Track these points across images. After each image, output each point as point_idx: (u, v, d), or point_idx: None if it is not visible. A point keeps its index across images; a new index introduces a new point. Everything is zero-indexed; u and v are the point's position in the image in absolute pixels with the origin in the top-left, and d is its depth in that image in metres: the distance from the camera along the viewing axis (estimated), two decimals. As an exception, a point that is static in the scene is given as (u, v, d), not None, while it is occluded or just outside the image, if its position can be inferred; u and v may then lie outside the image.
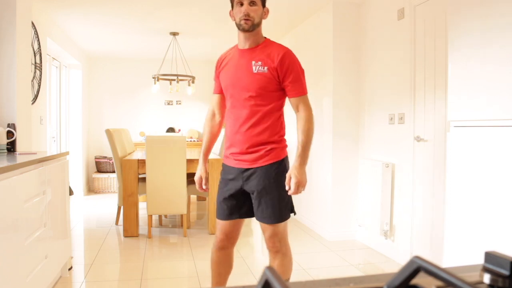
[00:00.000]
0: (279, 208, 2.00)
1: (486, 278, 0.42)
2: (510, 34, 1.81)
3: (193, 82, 5.39)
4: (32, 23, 3.64)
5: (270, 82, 1.94)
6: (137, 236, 3.99)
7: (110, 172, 6.69)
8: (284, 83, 1.96)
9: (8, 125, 2.93)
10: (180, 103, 7.20)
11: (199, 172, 2.18)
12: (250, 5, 1.92)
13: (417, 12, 3.10)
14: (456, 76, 2.13)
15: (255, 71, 1.94)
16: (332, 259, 3.39)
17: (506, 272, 0.41)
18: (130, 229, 3.99)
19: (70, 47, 5.53)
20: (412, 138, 3.13)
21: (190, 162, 4.04)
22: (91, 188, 6.86)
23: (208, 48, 6.18)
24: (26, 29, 3.28)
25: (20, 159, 2.21)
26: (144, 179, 4.09)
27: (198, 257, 3.40)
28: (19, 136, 3.00)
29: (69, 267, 3.02)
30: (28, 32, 3.34)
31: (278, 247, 2.04)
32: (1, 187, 1.73)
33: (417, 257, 0.41)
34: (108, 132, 4.22)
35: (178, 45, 5.46)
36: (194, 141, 6.82)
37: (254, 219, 2.09)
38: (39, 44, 3.90)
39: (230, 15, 2.01)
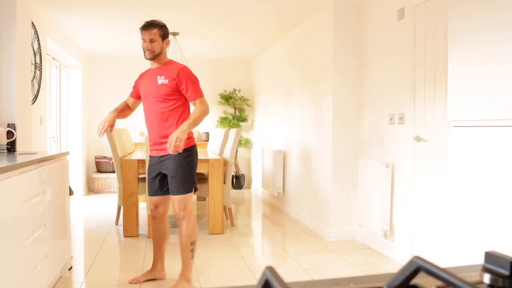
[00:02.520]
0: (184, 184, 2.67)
1: (486, 278, 0.42)
2: (511, 33, 1.81)
3: (193, 82, 5.39)
4: (32, 23, 3.64)
5: (172, 90, 2.62)
6: (137, 236, 3.99)
7: (110, 172, 6.69)
8: (182, 91, 2.63)
9: (8, 125, 2.93)
10: (180, 103, 7.19)
11: (108, 117, 2.70)
12: (151, 42, 2.62)
13: (417, 12, 3.10)
14: (456, 76, 2.13)
15: (159, 83, 2.63)
16: (332, 259, 3.39)
17: (506, 272, 0.41)
18: (130, 229, 3.99)
19: (70, 47, 5.53)
20: (412, 138, 3.13)
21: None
22: (91, 188, 6.86)
23: (208, 48, 6.18)
24: (26, 29, 3.28)
25: (20, 159, 2.21)
26: (144, 179, 4.09)
27: (198, 257, 3.40)
28: (19, 136, 3.00)
29: (69, 267, 3.02)
30: (28, 32, 3.34)
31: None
32: (1, 187, 1.73)
33: (417, 257, 0.41)
34: (108, 132, 4.22)
35: (178, 45, 5.46)
36: (194, 141, 6.81)
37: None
38: (39, 44, 3.90)
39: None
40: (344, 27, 3.93)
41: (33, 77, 3.74)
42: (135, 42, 5.76)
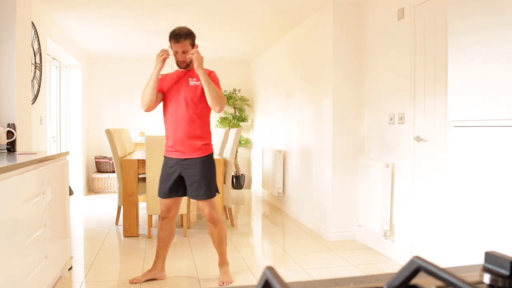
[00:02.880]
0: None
1: (486, 278, 0.42)
2: (510, 33, 1.81)
3: (193, 82, 5.39)
4: (32, 23, 3.64)
5: (203, 91, 2.67)
6: (137, 236, 3.99)
7: (110, 172, 6.68)
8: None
9: (8, 125, 2.93)
10: (180, 103, 7.19)
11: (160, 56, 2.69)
12: (183, 53, 2.66)
13: (417, 12, 3.10)
14: (456, 76, 2.13)
15: (191, 84, 2.69)
16: (332, 259, 3.39)
17: (506, 272, 0.41)
18: (130, 229, 3.99)
19: (70, 47, 5.53)
20: (412, 138, 3.13)
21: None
22: (91, 188, 6.86)
23: (208, 48, 6.18)
24: (26, 29, 3.28)
25: (20, 159, 2.21)
26: (144, 179, 4.09)
27: (198, 257, 3.40)
28: (19, 136, 3.00)
29: (69, 267, 3.02)
30: (28, 32, 3.34)
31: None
32: (1, 187, 1.73)
33: (417, 257, 0.41)
34: (108, 132, 4.22)
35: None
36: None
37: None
38: (39, 44, 3.90)
39: (170, 49, 2.73)
40: (344, 27, 3.93)
41: (33, 77, 3.74)
42: (135, 42, 5.76)
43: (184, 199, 3.97)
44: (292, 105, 5.15)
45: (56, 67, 5.64)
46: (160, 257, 2.85)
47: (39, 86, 3.97)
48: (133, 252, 3.57)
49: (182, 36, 2.62)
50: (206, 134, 2.74)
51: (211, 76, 2.70)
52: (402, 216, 3.27)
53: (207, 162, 2.71)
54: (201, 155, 2.69)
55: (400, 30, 3.28)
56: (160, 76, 2.72)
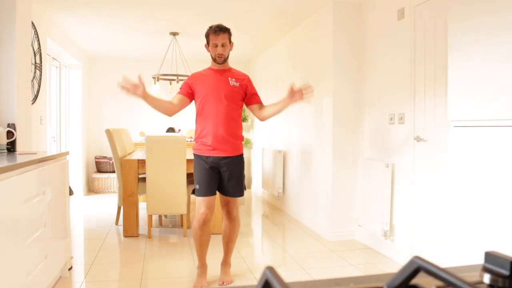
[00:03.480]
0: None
1: (486, 278, 0.42)
2: (510, 33, 1.81)
3: (193, 82, 5.39)
4: (32, 23, 3.64)
5: (242, 93, 2.78)
6: (137, 236, 3.99)
7: (110, 172, 6.68)
8: (251, 94, 2.82)
9: (8, 125, 2.93)
10: (180, 103, 7.19)
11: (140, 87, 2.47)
12: (223, 46, 2.70)
13: (417, 12, 3.10)
14: (456, 76, 2.13)
15: (232, 85, 2.73)
16: (332, 259, 3.39)
17: (506, 272, 0.41)
18: (130, 229, 3.99)
19: (70, 47, 5.53)
20: (412, 138, 3.13)
21: (190, 162, 4.04)
22: (91, 188, 6.86)
23: (208, 48, 6.17)
24: (26, 29, 3.28)
25: (20, 159, 2.21)
26: (144, 179, 4.09)
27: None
28: (19, 136, 3.00)
29: (69, 267, 3.02)
30: (28, 32, 3.34)
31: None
32: (1, 187, 1.73)
33: (417, 257, 0.41)
34: (108, 132, 4.22)
35: (178, 45, 5.46)
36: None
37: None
38: (39, 44, 3.90)
39: (206, 48, 2.80)
40: (344, 27, 3.93)
41: (33, 77, 3.74)
42: (135, 42, 5.76)
43: (183, 199, 3.97)
44: (292, 105, 5.14)
45: (56, 67, 5.64)
46: (205, 263, 2.82)
47: (39, 86, 3.97)
48: (133, 252, 3.57)
49: (222, 30, 2.67)
50: (241, 134, 2.83)
51: (250, 80, 2.87)
52: (402, 216, 3.27)
53: (243, 160, 2.82)
54: (240, 153, 2.79)
55: (400, 30, 3.28)
56: (148, 95, 2.54)
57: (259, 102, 2.85)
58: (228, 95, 2.70)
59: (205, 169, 2.71)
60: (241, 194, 2.81)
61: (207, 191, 2.71)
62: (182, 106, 2.75)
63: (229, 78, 2.74)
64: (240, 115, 2.80)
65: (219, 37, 2.67)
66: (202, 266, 2.82)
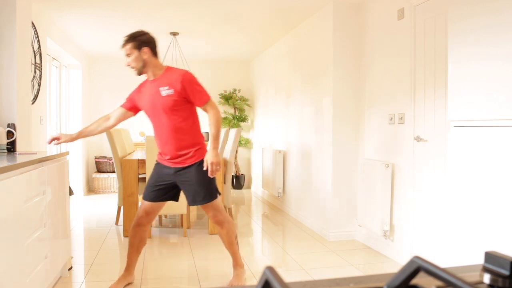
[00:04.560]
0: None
1: (486, 278, 0.42)
2: (510, 33, 1.81)
3: (193, 82, 5.39)
4: (32, 23, 3.64)
5: (179, 100, 2.50)
6: (137, 236, 3.99)
7: (110, 172, 6.68)
8: (189, 97, 2.52)
9: (8, 125, 2.92)
10: (180, 103, 7.19)
11: (67, 136, 2.63)
12: (128, 57, 2.51)
13: (417, 12, 3.10)
14: (456, 76, 2.13)
15: (164, 94, 2.49)
16: (332, 259, 3.39)
17: (506, 272, 0.41)
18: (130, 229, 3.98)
19: (70, 47, 5.53)
20: (412, 138, 3.13)
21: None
22: (91, 188, 6.86)
23: (208, 48, 6.18)
24: (26, 29, 3.28)
25: (20, 159, 2.21)
26: (144, 179, 4.09)
27: (198, 257, 3.40)
28: (19, 136, 3.00)
29: (69, 267, 3.02)
30: (28, 32, 3.34)
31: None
32: (1, 187, 1.73)
33: (417, 257, 0.41)
34: (108, 132, 4.22)
35: (178, 45, 5.46)
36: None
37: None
38: (39, 44, 3.90)
39: None
40: (344, 27, 3.93)
41: (33, 77, 3.74)
42: (135, 42, 5.76)
43: (182, 199, 3.97)
44: (292, 105, 5.15)
45: (56, 67, 5.64)
46: (133, 264, 2.74)
47: (39, 86, 3.97)
48: (133, 252, 3.56)
49: (126, 40, 2.51)
50: (196, 139, 2.61)
51: (186, 80, 2.50)
52: (402, 216, 3.27)
53: (201, 167, 2.59)
54: (195, 162, 2.59)
55: (400, 30, 3.28)
56: (72, 135, 2.66)
57: (199, 105, 2.57)
58: (166, 108, 2.49)
59: (158, 174, 2.66)
60: (207, 200, 2.63)
61: (147, 196, 2.67)
62: (120, 120, 2.70)
63: (160, 89, 2.50)
64: (187, 119, 2.55)
65: (124, 49, 2.51)
66: (125, 269, 2.74)
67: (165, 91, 2.48)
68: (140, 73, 2.55)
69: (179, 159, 2.58)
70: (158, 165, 2.70)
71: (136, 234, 2.70)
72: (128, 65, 2.53)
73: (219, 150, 4.77)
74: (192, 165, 2.58)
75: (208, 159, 2.53)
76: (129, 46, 2.50)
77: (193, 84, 2.52)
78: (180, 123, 2.53)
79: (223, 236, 2.79)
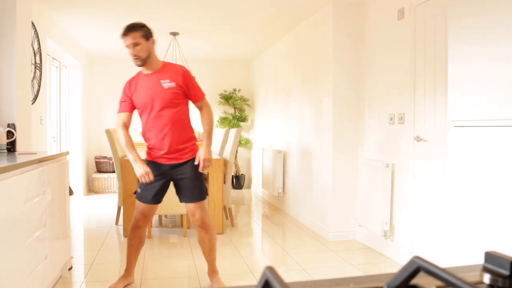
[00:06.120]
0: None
1: (486, 278, 0.42)
2: (510, 32, 1.81)
3: (193, 82, 5.39)
4: (32, 23, 3.64)
5: (180, 93, 2.52)
6: (137, 236, 3.99)
7: (110, 172, 6.69)
8: (187, 92, 2.55)
9: (8, 125, 2.92)
10: (180, 103, 7.19)
11: (141, 167, 2.51)
12: (135, 46, 2.42)
13: (417, 12, 3.10)
14: (456, 76, 2.13)
15: (166, 87, 2.48)
16: (332, 259, 3.39)
17: (506, 272, 0.41)
18: (130, 229, 3.98)
19: (70, 47, 5.53)
20: (412, 138, 3.13)
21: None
22: (91, 188, 6.86)
23: (208, 48, 6.18)
24: (26, 29, 3.28)
25: (20, 159, 2.21)
26: (144, 179, 4.08)
27: (198, 257, 3.40)
28: (19, 136, 3.00)
29: (69, 267, 3.02)
30: (28, 32, 3.34)
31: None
32: (1, 187, 1.73)
33: (417, 257, 0.41)
34: (108, 132, 4.22)
35: (178, 45, 5.46)
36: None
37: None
38: (39, 44, 3.90)
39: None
40: (344, 27, 3.93)
41: (33, 77, 3.74)
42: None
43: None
44: (292, 105, 5.15)
45: (56, 67, 5.64)
46: (132, 265, 2.74)
47: (39, 86, 3.97)
48: (133, 252, 3.56)
49: (130, 29, 2.42)
50: (191, 134, 2.63)
51: (186, 75, 2.54)
52: (402, 216, 3.27)
53: (195, 162, 2.59)
54: (191, 157, 2.59)
55: (400, 30, 3.28)
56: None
57: (196, 101, 2.62)
58: (166, 100, 2.48)
59: (155, 173, 2.57)
60: (201, 198, 2.62)
61: (144, 198, 2.61)
62: (131, 121, 2.68)
63: (162, 81, 2.49)
64: (184, 114, 2.58)
65: (128, 37, 2.42)
66: (126, 270, 2.73)
67: (166, 84, 2.48)
68: (142, 64, 2.49)
69: (176, 154, 2.55)
70: (149, 164, 2.61)
71: (134, 236, 2.69)
72: (135, 55, 2.44)
73: (219, 150, 4.78)
74: (188, 161, 2.58)
75: (201, 155, 2.54)
76: (138, 34, 2.43)
77: (192, 80, 2.58)
78: (181, 116, 2.55)
79: (205, 241, 2.71)
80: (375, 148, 3.68)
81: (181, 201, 2.69)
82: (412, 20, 3.13)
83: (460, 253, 2.06)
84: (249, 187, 7.38)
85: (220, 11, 4.30)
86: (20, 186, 1.98)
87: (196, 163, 2.56)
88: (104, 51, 6.46)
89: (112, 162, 6.57)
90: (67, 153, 2.96)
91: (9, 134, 2.89)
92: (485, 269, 0.43)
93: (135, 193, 2.68)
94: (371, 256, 3.46)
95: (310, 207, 4.45)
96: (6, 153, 2.74)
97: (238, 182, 7.17)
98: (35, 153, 2.69)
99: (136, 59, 2.46)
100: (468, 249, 2.01)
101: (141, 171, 2.50)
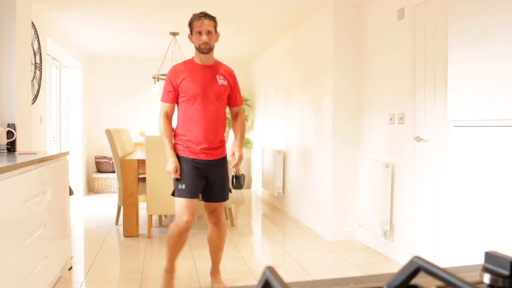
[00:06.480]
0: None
1: (486, 278, 0.42)
2: (510, 32, 1.81)
3: (193, 82, 5.38)
4: (32, 23, 3.64)
5: (229, 92, 2.59)
6: (137, 236, 3.99)
7: (110, 172, 6.69)
8: (232, 94, 2.62)
9: (8, 125, 2.93)
10: (180, 103, 7.19)
11: (174, 163, 2.48)
12: (208, 34, 2.47)
13: (417, 12, 3.10)
14: (456, 76, 2.13)
15: (220, 83, 2.53)
16: (332, 259, 3.39)
17: (506, 272, 0.41)
18: (130, 229, 3.99)
19: (70, 47, 5.53)
20: (412, 138, 3.13)
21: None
22: (91, 188, 6.86)
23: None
24: (26, 29, 3.28)
25: (20, 159, 2.21)
26: (144, 179, 4.09)
27: (198, 257, 3.40)
28: (19, 136, 3.00)
29: (69, 267, 3.02)
30: (28, 32, 3.34)
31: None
32: (1, 187, 1.73)
33: (417, 257, 0.41)
34: (108, 132, 4.22)
35: (178, 45, 5.46)
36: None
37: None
38: (39, 44, 3.90)
39: (189, 39, 2.55)
40: (344, 27, 3.93)
41: (33, 77, 3.74)
42: (135, 42, 5.76)
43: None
44: (292, 105, 5.15)
45: (56, 67, 5.64)
46: (174, 267, 2.64)
47: (39, 86, 3.97)
48: (133, 252, 3.57)
49: (207, 16, 2.48)
50: (224, 133, 2.69)
51: (235, 77, 2.64)
52: (402, 216, 3.27)
53: (227, 162, 2.67)
54: (226, 155, 2.65)
55: (400, 30, 3.28)
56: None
57: (236, 105, 2.69)
58: (218, 96, 2.51)
59: (192, 170, 2.48)
60: (228, 197, 2.68)
61: (193, 193, 2.48)
62: (173, 112, 2.62)
63: (217, 77, 2.52)
64: (225, 113, 2.64)
65: (204, 24, 2.44)
66: (173, 270, 2.64)
67: (221, 81, 2.53)
68: (209, 52, 2.50)
69: (214, 150, 2.54)
70: (186, 159, 2.50)
71: (182, 240, 2.55)
72: (207, 42, 2.45)
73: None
74: (224, 158, 2.62)
75: (238, 152, 2.59)
76: (212, 24, 2.49)
77: (237, 84, 2.68)
78: (224, 115, 2.61)
79: (216, 240, 2.70)
80: (375, 148, 3.68)
81: (207, 200, 2.60)
82: (412, 20, 3.13)
83: (460, 253, 2.06)
84: (249, 187, 7.37)
85: (220, 11, 4.30)
86: (20, 186, 1.98)
87: (230, 158, 2.60)
88: (104, 51, 6.46)
89: (112, 162, 6.57)
90: (67, 153, 2.96)
91: (9, 134, 2.89)
92: (485, 269, 0.43)
93: (173, 194, 2.54)
94: (371, 256, 3.46)
95: (310, 207, 4.45)
96: (6, 153, 2.74)
97: (238, 182, 7.17)
98: (35, 153, 2.69)
99: (206, 46, 2.47)
100: (468, 249, 2.01)
101: (172, 168, 2.47)
